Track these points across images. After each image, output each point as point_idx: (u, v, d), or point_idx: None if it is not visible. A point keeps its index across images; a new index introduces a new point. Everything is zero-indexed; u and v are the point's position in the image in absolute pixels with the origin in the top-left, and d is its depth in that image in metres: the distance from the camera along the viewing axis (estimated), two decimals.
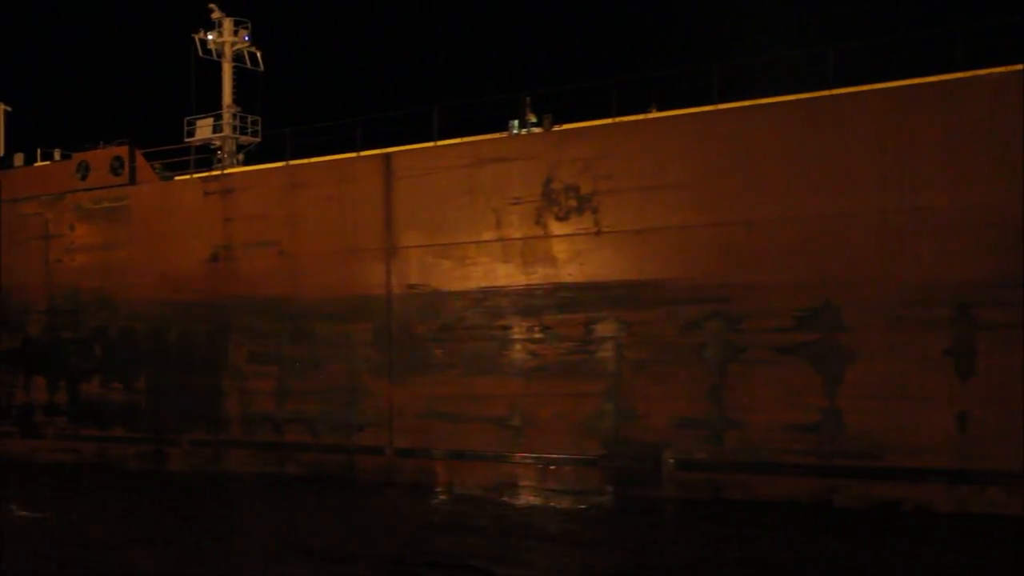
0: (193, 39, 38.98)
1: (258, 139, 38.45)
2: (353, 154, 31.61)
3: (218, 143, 38.12)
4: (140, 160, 36.03)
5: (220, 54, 39.28)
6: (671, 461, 26.02)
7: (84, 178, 36.92)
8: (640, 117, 27.32)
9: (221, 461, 33.27)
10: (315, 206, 31.82)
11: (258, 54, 39.61)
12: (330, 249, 31.49)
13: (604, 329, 27.10)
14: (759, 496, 24.69)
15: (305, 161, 32.73)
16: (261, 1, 44.58)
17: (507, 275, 28.57)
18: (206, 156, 36.27)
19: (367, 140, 31.29)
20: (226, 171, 35.14)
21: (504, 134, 29.52)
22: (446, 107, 30.00)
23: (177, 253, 34.64)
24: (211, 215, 33.99)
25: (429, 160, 30.04)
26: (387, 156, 30.75)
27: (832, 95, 24.61)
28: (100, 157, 36.71)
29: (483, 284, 28.90)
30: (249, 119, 38.73)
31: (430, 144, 30.22)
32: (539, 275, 28.08)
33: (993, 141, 22.66)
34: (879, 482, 23.51)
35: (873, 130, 23.99)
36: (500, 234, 28.70)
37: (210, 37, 39.15)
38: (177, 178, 35.75)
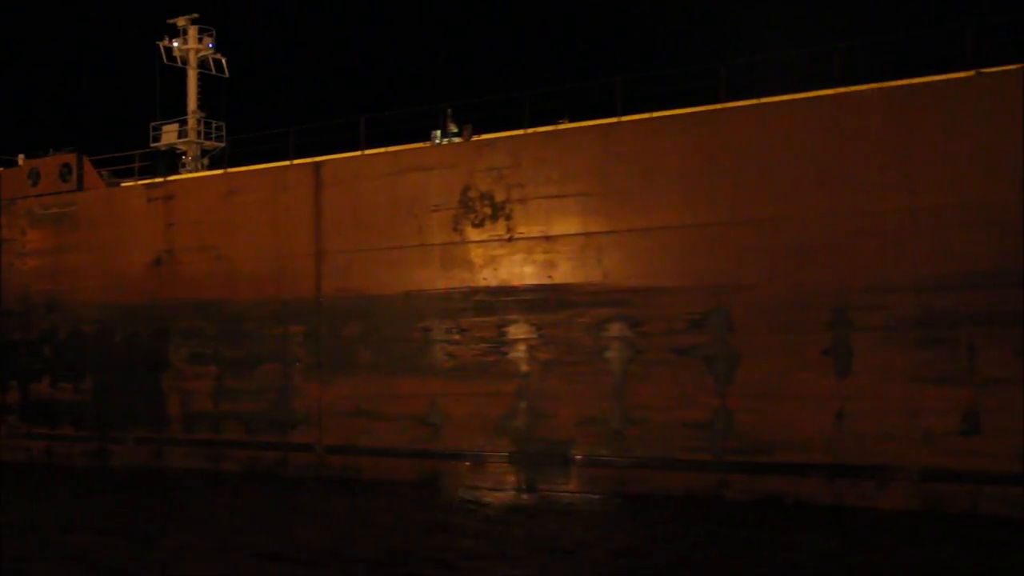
0: (158, 47, 40.13)
1: (222, 144, 39.56)
2: (287, 162, 32.84)
3: (183, 148, 39.41)
4: (88, 167, 37.21)
5: (185, 61, 40.44)
6: (578, 458, 27.25)
7: (35, 184, 38.08)
8: (550, 128, 28.54)
9: (163, 458, 34.50)
10: (250, 212, 33.02)
11: (223, 60, 40.76)
12: (264, 254, 32.68)
13: (516, 331, 28.33)
14: (658, 490, 25.87)
15: (242, 169, 33.95)
16: (226, 7, 45.75)
17: (428, 279, 29.78)
18: (150, 164, 37.39)
19: (311, 148, 32.50)
20: (168, 178, 36.29)
21: (428, 143, 30.76)
22: (372, 118, 31.25)
23: (122, 257, 35.82)
24: (154, 220, 35.16)
25: (356, 168, 31.26)
26: (317, 165, 31.97)
27: (720, 108, 25.83)
28: (50, 164, 37.88)
29: (406, 288, 30.13)
30: (214, 124, 39.92)
31: (357, 153, 31.44)
32: (457, 279, 29.29)
33: (872, 153, 23.89)
34: (765, 476, 24.74)
35: (758, 142, 25.21)
36: (421, 240, 29.90)
37: (175, 44, 40.29)
38: (122, 184, 36.93)
